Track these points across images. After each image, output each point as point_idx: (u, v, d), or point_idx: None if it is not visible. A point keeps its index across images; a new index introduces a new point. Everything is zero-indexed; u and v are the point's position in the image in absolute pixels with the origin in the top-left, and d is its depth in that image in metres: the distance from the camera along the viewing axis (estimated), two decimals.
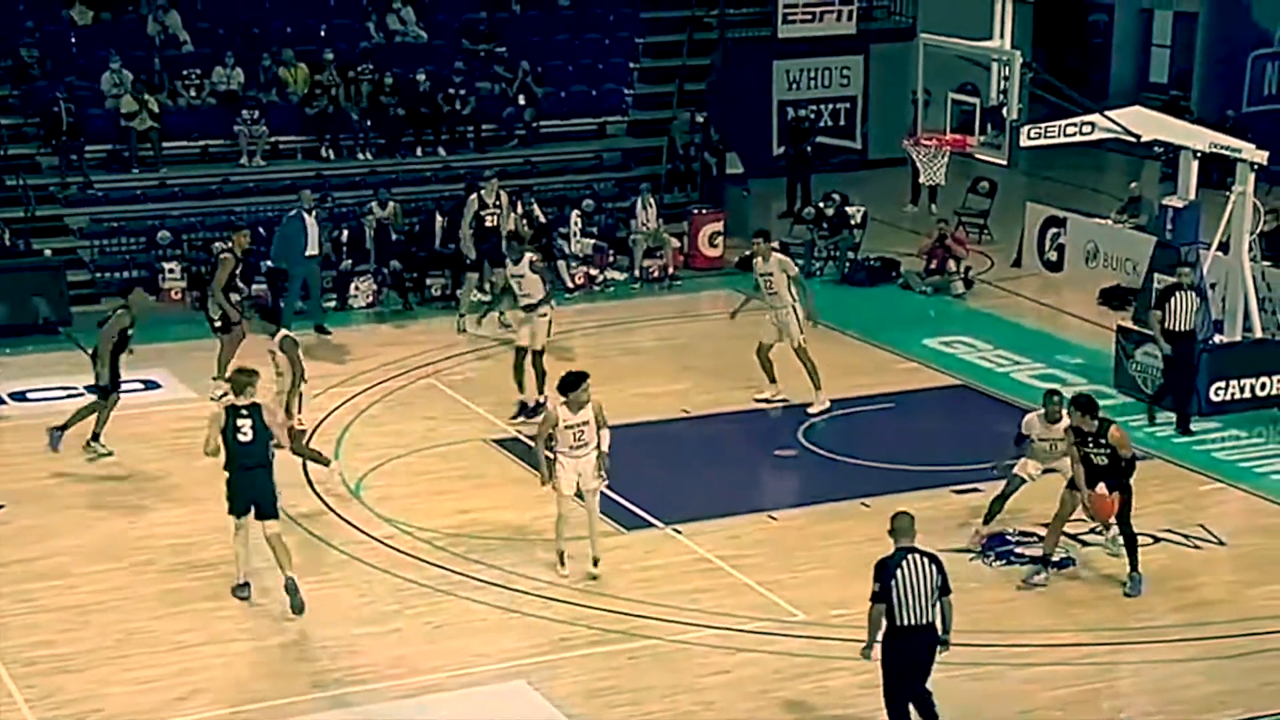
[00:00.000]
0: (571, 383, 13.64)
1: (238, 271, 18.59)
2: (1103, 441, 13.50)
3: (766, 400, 18.04)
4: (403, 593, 13.73)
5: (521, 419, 17.36)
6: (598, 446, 13.82)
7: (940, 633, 10.84)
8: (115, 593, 13.81)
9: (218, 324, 18.48)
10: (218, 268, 18.64)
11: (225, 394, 17.86)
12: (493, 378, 19.18)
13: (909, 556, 10.72)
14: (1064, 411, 14.00)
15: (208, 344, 19.98)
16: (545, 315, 17.48)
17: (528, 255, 17.81)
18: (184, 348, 20.17)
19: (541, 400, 17.25)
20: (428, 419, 17.85)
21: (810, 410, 17.62)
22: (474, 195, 21.38)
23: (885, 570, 10.73)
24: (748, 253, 20.21)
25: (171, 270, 22.30)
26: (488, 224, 21.12)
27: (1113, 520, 13.81)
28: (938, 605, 10.73)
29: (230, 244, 19.05)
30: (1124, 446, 13.60)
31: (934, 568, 10.75)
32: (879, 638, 10.87)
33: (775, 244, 18.44)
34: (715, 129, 26.31)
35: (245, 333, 18.35)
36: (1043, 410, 14.41)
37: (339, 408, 18.13)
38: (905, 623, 10.62)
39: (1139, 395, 18.20)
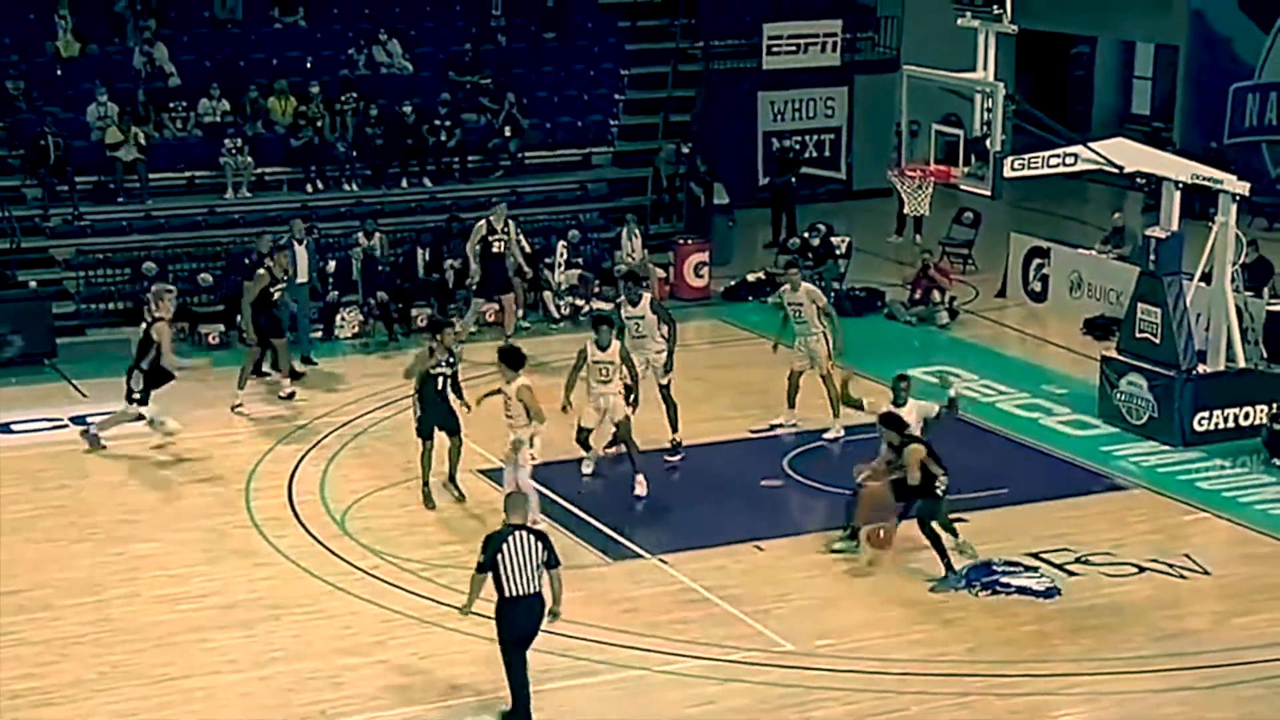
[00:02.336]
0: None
1: (273, 290, 18.92)
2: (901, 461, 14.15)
3: (779, 425, 18.08)
4: (388, 623, 13.69)
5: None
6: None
7: (552, 603, 11.72)
8: (98, 625, 13.75)
9: (244, 337, 19.20)
10: (253, 282, 19.04)
11: (241, 405, 18.47)
12: (480, 409, 19.14)
13: (515, 533, 11.57)
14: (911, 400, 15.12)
15: (193, 375, 20.01)
16: (662, 351, 17.51)
17: (646, 296, 17.77)
18: None
19: (678, 439, 17.46)
20: (414, 449, 17.75)
21: (826, 435, 17.82)
22: (481, 221, 21.50)
23: (491, 544, 11.59)
24: (775, 277, 20.74)
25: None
26: (494, 249, 21.31)
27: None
28: (544, 577, 11.57)
29: (271, 262, 19.27)
30: (911, 468, 14.10)
31: (539, 544, 11.58)
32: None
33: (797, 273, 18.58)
34: (701, 159, 26.39)
35: (260, 350, 19.10)
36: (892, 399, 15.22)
37: (325, 438, 18.11)
38: (512, 593, 11.49)
39: (1124, 424, 18.24)
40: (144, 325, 17.95)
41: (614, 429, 16.52)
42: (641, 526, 15.60)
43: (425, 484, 16.07)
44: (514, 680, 11.74)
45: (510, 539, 11.53)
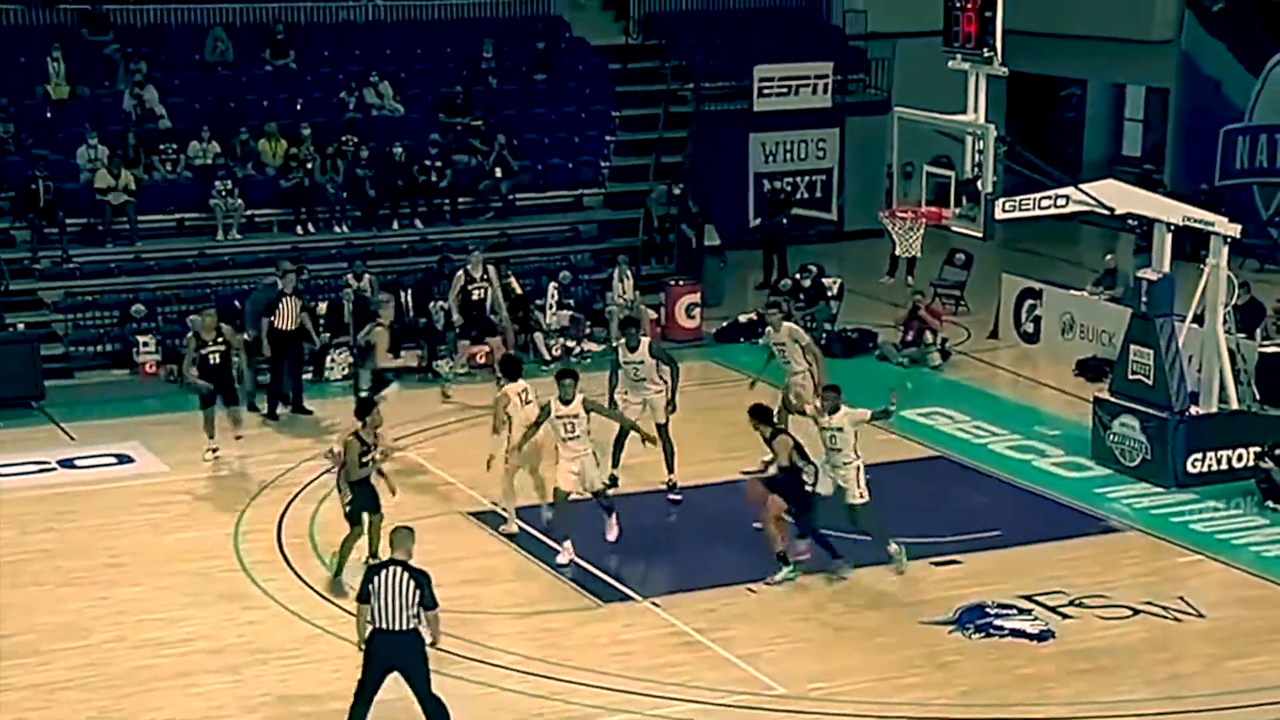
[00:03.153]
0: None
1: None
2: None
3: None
4: None
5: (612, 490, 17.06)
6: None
7: (429, 640, 11.82)
8: (85, 670, 13.68)
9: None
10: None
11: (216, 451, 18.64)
12: (470, 450, 19.14)
13: (391, 568, 11.64)
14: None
15: (181, 418, 19.99)
16: (661, 392, 17.58)
17: (645, 340, 17.85)
18: (157, 421, 20.12)
19: (673, 480, 17.54)
20: (403, 491, 17.71)
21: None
22: (460, 271, 21.52)
23: (365, 576, 11.77)
24: (761, 315, 20.79)
25: (146, 344, 22.26)
26: (474, 297, 21.34)
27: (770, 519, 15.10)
28: (416, 615, 11.60)
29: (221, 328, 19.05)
30: (780, 455, 14.99)
31: (412, 582, 11.61)
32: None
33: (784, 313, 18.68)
34: (693, 201, 26.47)
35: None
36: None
37: (312, 482, 18.06)
38: (380, 626, 11.60)
39: (1117, 466, 18.25)
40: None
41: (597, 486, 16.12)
42: (633, 569, 15.57)
43: (339, 571, 15.23)
44: (354, 708, 11.74)
45: (382, 573, 11.62)
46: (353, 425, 15.37)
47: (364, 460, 15.02)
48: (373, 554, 15.30)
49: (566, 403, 15.46)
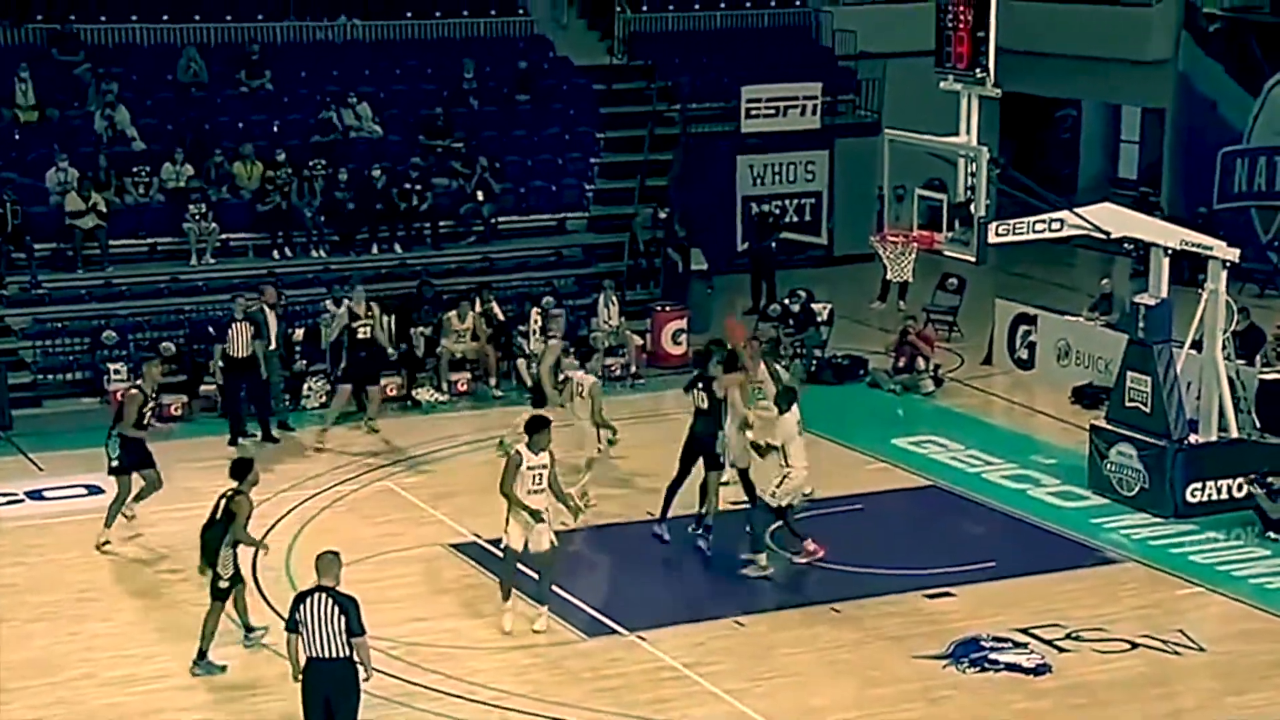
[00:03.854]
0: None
1: (146, 410, 17.47)
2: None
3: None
4: None
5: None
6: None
7: (363, 671, 11.76)
8: (53, 708, 13.61)
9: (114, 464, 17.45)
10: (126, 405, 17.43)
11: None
12: (453, 480, 19.13)
13: (316, 595, 11.63)
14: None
15: (151, 448, 19.93)
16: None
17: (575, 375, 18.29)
18: None
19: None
20: (383, 523, 17.77)
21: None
22: (343, 308, 21.03)
23: (293, 604, 11.76)
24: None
25: (117, 372, 22.18)
26: (360, 336, 20.67)
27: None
28: (347, 643, 11.55)
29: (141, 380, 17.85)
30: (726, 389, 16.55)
31: (337, 608, 11.57)
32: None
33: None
34: (679, 224, 26.52)
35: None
36: None
37: (289, 514, 18.03)
38: (310, 654, 11.60)
39: (1115, 495, 18.27)
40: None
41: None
42: (618, 602, 15.55)
43: (248, 630, 14.79)
44: None
45: (308, 600, 11.60)
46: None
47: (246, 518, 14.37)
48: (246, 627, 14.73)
49: (537, 452, 14.70)
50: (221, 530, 14.18)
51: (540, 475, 14.69)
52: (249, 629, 14.73)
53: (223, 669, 14.20)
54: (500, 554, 15.16)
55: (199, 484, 18.97)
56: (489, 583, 16.01)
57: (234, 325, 20.42)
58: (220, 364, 20.60)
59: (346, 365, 20.91)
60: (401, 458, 20.04)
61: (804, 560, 16.34)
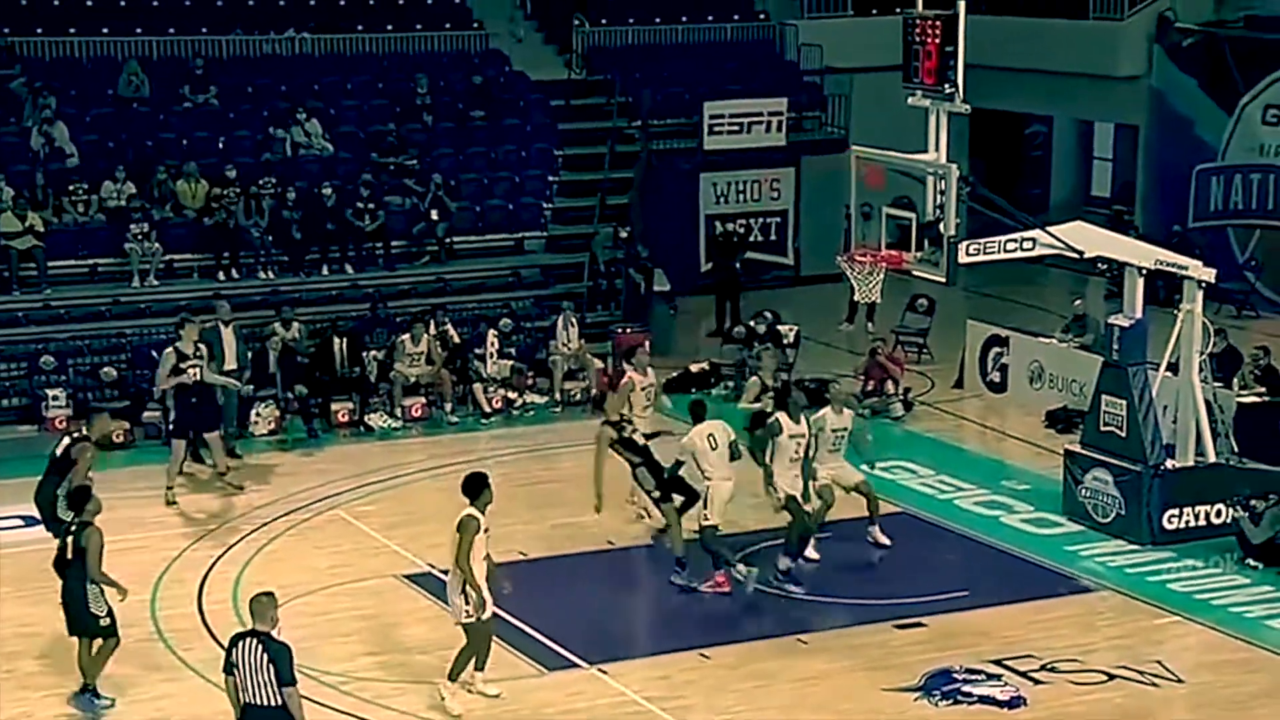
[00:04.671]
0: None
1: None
2: None
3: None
4: None
5: None
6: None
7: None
8: None
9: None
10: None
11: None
12: (406, 509, 19.11)
13: (249, 640, 11.51)
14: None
15: (92, 476, 19.83)
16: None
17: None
18: None
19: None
20: (334, 554, 17.73)
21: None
22: (169, 349, 19.86)
23: (230, 648, 11.66)
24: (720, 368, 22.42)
25: (55, 398, 22.10)
26: (189, 378, 19.35)
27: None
28: (279, 691, 11.38)
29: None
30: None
31: (265, 655, 11.40)
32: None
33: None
34: (641, 244, 26.58)
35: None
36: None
37: (238, 543, 17.97)
38: (247, 700, 11.52)
39: (1090, 522, 18.38)
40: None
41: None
42: (578, 633, 15.54)
43: (93, 693, 14.30)
44: None
45: (240, 645, 11.52)
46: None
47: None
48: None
49: (484, 511, 13.85)
50: (79, 570, 13.90)
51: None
52: (95, 693, 14.19)
53: (110, 703, 14.09)
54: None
55: (141, 513, 18.96)
56: (445, 615, 15.97)
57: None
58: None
59: (175, 415, 19.69)
60: (353, 486, 19.99)
61: (707, 589, 16.48)
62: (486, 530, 13.76)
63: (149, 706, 14.23)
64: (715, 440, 16.46)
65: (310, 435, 21.94)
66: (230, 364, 20.82)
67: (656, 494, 17.06)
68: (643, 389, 18.79)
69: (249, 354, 22.25)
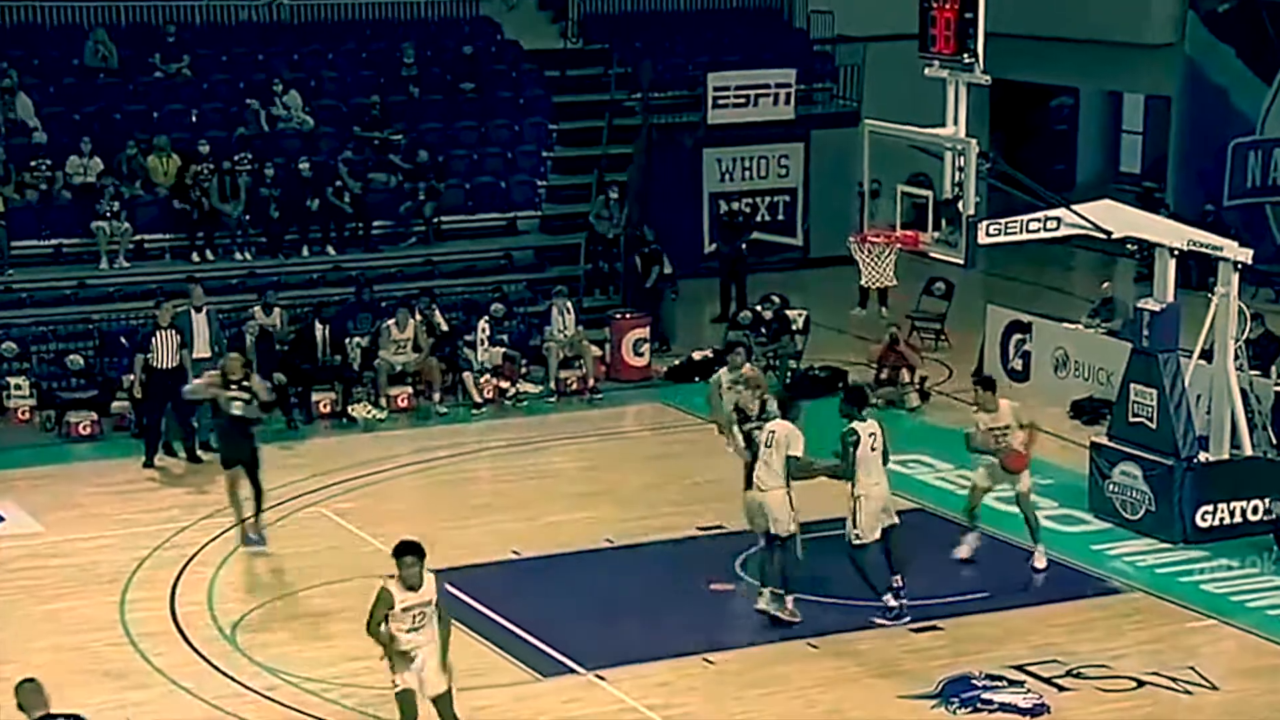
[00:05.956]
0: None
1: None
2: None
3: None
4: None
5: None
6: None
7: None
8: None
9: None
10: None
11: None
12: (392, 505, 19.13)
13: None
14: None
15: (57, 471, 19.93)
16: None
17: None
18: (31, 475, 20.00)
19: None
20: (314, 552, 17.76)
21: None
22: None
23: None
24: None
25: (18, 387, 22.13)
26: (234, 408, 18.59)
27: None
28: None
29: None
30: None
31: None
32: None
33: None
34: (643, 223, 26.50)
35: None
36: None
37: (212, 541, 18.00)
38: None
39: (1118, 519, 18.40)
40: None
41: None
42: (575, 638, 15.55)
43: None
44: None
45: None
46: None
47: None
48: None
49: (414, 589, 12.46)
50: None
51: (423, 613, 12.51)
52: None
53: None
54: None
55: (110, 510, 19.00)
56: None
57: (158, 334, 20.37)
58: (142, 377, 20.51)
59: (220, 447, 18.81)
60: (336, 481, 20.01)
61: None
62: (433, 605, 12.52)
63: (117, 715, 14.23)
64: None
65: (290, 427, 21.95)
66: (203, 352, 20.83)
67: None
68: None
69: (225, 340, 22.26)
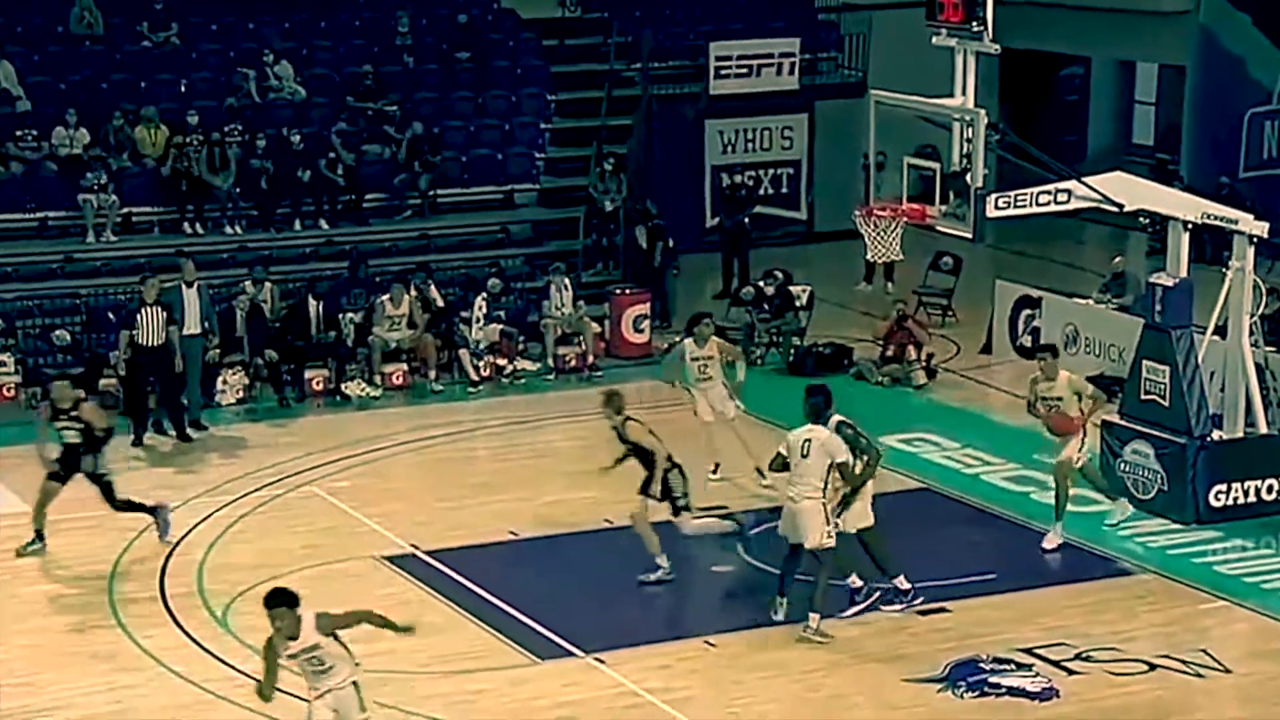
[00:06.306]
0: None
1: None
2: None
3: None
4: None
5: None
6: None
7: None
8: None
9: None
10: None
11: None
12: (386, 485, 19.13)
13: None
14: None
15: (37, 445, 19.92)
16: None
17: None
18: (17, 454, 19.95)
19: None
20: (308, 533, 17.77)
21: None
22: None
23: None
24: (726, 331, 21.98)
25: (3, 364, 22.12)
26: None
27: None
28: None
29: None
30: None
31: None
32: None
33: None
34: (645, 197, 26.44)
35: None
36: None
37: (202, 522, 18.00)
38: None
39: (1130, 499, 18.37)
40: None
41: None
42: (573, 620, 15.57)
43: None
44: None
45: None
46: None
47: None
48: None
49: (294, 638, 11.86)
50: None
51: (314, 658, 11.99)
52: None
53: None
54: None
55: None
56: (428, 599, 16.04)
57: (144, 310, 20.34)
58: (126, 354, 20.50)
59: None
60: (329, 460, 20.02)
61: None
62: (322, 648, 11.88)
63: (107, 698, 14.26)
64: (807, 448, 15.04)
65: (282, 405, 21.96)
66: (193, 328, 20.80)
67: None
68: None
69: (215, 316, 22.25)
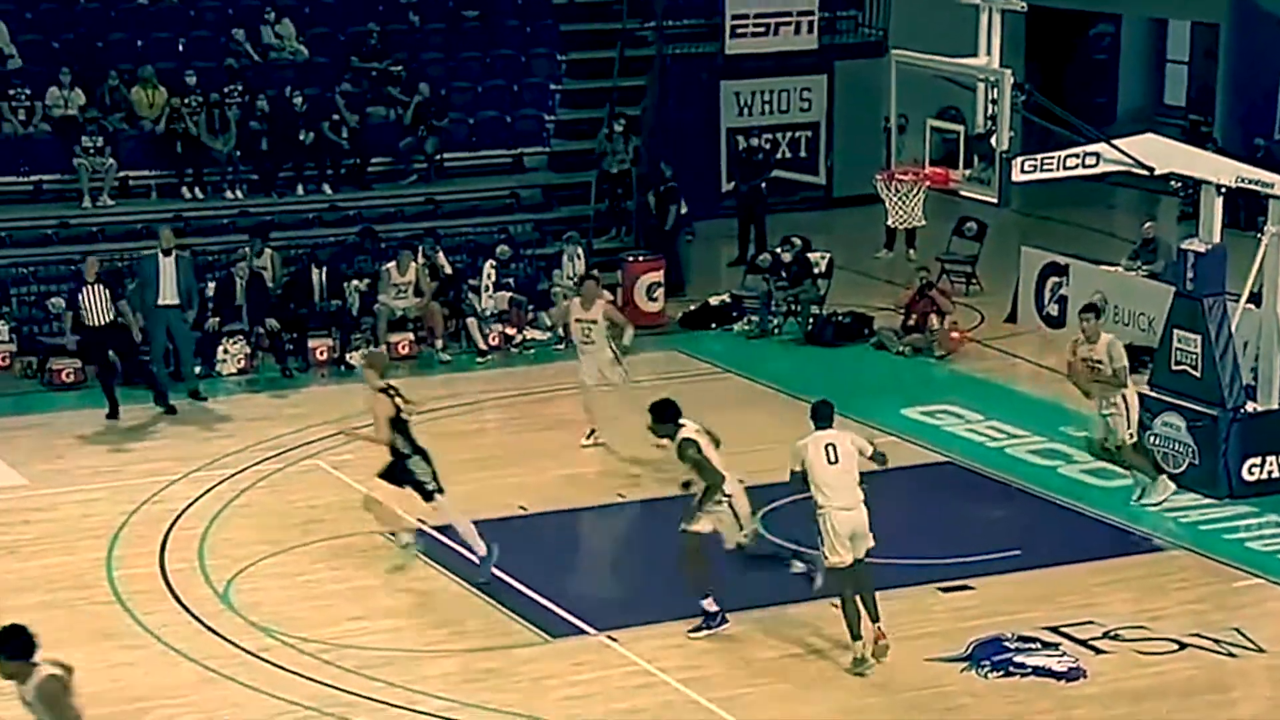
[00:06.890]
0: None
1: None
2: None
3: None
4: (282, 717, 13.67)
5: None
6: None
7: None
8: None
9: None
10: None
11: None
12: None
13: None
14: None
15: (41, 420, 20.01)
16: None
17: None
18: (12, 425, 20.10)
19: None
20: (311, 508, 17.83)
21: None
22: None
23: None
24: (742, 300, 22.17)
25: None
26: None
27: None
28: None
29: None
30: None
31: None
32: None
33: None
34: (659, 160, 26.41)
35: None
36: None
37: (204, 495, 18.07)
38: None
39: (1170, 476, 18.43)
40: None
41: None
42: (585, 597, 15.65)
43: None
44: None
45: None
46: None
47: None
48: None
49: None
50: None
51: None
52: None
53: None
54: None
55: (96, 462, 19.09)
56: (437, 576, 16.11)
57: (85, 289, 20.31)
58: (74, 337, 20.53)
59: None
60: (333, 432, 20.06)
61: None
62: None
63: (105, 676, 14.31)
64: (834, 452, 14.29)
65: (284, 375, 22.03)
66: (170, 299, 20.74)
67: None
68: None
69: (211, 283, 22.28)
